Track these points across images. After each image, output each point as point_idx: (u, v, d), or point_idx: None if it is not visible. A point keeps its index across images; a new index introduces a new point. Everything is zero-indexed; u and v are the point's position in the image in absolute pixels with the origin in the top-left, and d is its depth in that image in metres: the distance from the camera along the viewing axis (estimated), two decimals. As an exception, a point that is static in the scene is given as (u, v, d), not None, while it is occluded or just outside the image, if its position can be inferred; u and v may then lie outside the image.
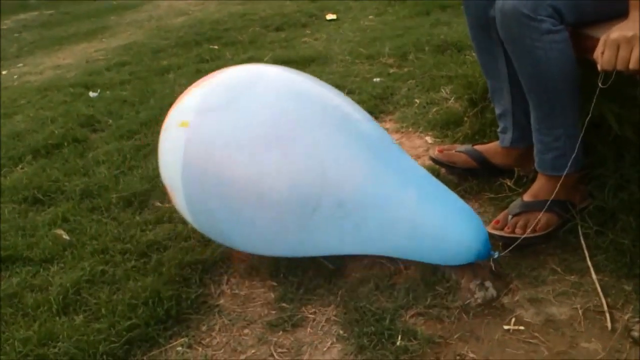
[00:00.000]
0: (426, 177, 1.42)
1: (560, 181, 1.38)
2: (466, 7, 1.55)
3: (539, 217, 1.40)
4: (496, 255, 1.33)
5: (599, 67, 1.15)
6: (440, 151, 1.74)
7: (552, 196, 1.40)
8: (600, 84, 1.17)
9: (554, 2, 1.24)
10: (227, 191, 1.34)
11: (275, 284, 1.47)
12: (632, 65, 1.10)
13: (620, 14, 1.19)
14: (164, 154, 1.45)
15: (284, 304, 1.40)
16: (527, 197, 1.46)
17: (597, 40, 1.19)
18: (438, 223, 1.33)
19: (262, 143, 1.32)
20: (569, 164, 1.38)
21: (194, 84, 1.48)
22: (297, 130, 1.34)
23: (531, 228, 1.40)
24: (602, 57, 1.13)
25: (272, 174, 1.31)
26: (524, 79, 1.36)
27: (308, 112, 1.37)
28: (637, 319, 1.19)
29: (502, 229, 1.43)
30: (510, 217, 1.44)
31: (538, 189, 1.45)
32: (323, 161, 1.31)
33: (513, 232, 1.41)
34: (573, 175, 1.42)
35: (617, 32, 1.13)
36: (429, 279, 1.37)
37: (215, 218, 1.40)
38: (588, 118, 1.26)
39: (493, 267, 1.34)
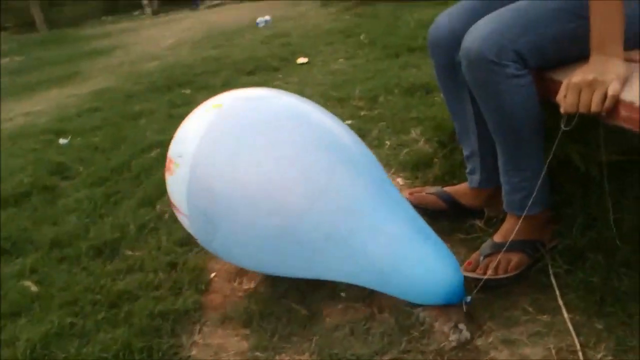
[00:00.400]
0: (411, 212, 1.43)
1: (522, 220, 1.40)
2: (432, 52, 1.58)
3: (510, 257, 1.42)
4: (469, 299, 1.33)
5: (561, 110, 1.18)
6: (411, 194, 1.75)
7: (522, 236, 1.42)
8: (563, 127, 1.19)
9: (517, 48, 1.28)
10: (233, 174, 1.35)
11: (248, 332, 1.45)
12: (594, 108, 1.12)
13: (581, 57, 1.22)
14: (185, 128, 1.49)
15: (257, 353, 1.38)
16: (497, 238, 1.47)
17: (560, 83, 1.22)
18: (416, 260, 1.35)
19: (278, 147, 1.37)
20: (536, 205, 1.41)
21: None
22: (305, 149, 1.38)
23: (503, 269, 1.41)
24: (565, 100, 1.16)
25: (278, 174, 1.35)
26: (491, 122, 1.39)
27: (317, 138, 1.43)
28: (609, 358, 1.19)
29: (474, 271, 1.44)
30: (482, 258, 1.45)
31: (508, 229, 1.46)
32: (322, 186, 1.35)
33: (485, 273, 1.42)
34: (541, 215, 1.44)
35: (579, 75, 1.15)
36: (403, 322, 1.37)
37: (211, 198, 1.38)
38: (549, 159, 1.28)
39: (465, 309, 1.34)
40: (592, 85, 1.13)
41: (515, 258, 1.43)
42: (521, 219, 1.40)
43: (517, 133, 1.35)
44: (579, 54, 1.25)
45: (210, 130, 1.41)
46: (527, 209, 1.39)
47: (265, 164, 1.35)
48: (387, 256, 1.34)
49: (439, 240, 1.41)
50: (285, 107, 1.48)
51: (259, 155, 1.36)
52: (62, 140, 3.23)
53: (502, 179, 1.45)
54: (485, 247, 1.47)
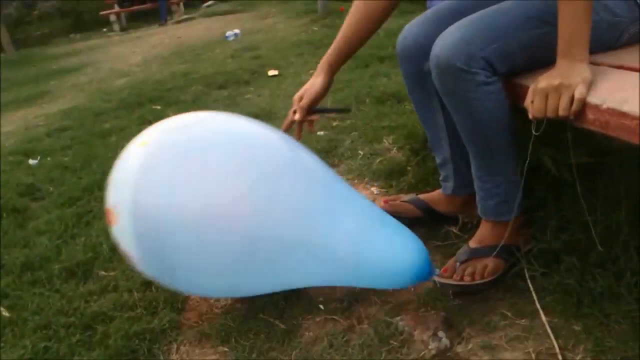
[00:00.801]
0: (364, 202, 1.44)
1: (496, 225, 1.44)
2: (401, 62, 1.58)
3: (486, 263, 1.42)
4: (437, 272, 1.35)
5: (529, 116, 1.18)
6: (386, 202, 1.75)
7: (497, 241, 1.43)
8: (534, 132, 1.20)
9: (486, 55, 1.28)
10: (176, 208, 1.29)
11: (226, 349, 1.43)
12: (562, 112, 1.13)
13: (550, 62, 1.23)
14: (117, 172, 1.41)
15: (236, 370, 1.36)
16: (472, 244, 1.47)
17: (526, 88, 1.23)
18: (379, 247, 1.36)
19: (216, 168, 1.32)
20: (510, 210, 1.42)
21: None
22: (245, 163, 1.34)
23: (479, 274, 1.42)
24: (532, 106, 1.17)
25: (221, 200, 1.30)
26: (462, 130, 1.39)
27: (255, 150, 1.38)
28: (588, 359, 1.20)
29: (451, 277, 1.44)
30: (458, 264, 1.45)
31: (483, 235, 1.47)
32: (268, 195, 1.31)
33: (462, 279, 1.42)
34: (516, 219, 1.45)
35: (545, 80, 1.16)
36: (382, 333, 1.36)
37: (160, 238, 1.32)
38: (527, 163, 1.29)
39: (442, 316, 1.34)
40: (558, 89, 1.14)
41: (491, 263, 1.43)
42: (500, 225, 1.42)
43: (488, 139, 1.36)
44: (547, 60, 1.26)
45: (143, 172, 1.34)
46: (503, 215, 1.40)
47: (205, 189, 1.30)
48: (350, 250, 1.34)
49: (397, 223, 1.42)
50: (215, 129, 1.43)
51: (196, 182, 1.30)
52: (31, 161, 3.18)
53: (475, 185, 1.46)
54: (461, 253, 1.47)
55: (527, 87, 1.24)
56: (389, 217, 1.43)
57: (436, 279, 1.45)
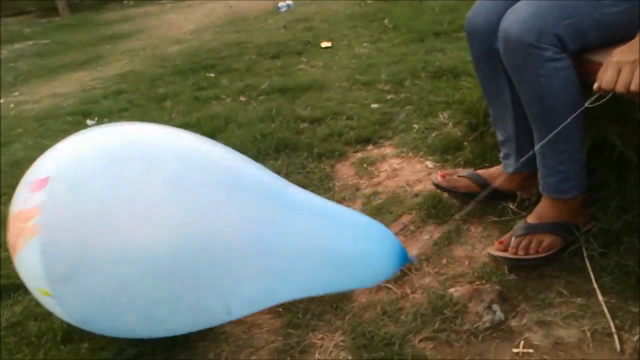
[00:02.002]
0: (322, 205, 1.29)
1: (556, 202, 1.43)
2: (470, 40, 1.55)
3: (542, 238, 1.42)
4: (414, 260, 1.33)
5: (594, 86, 1.17)
6: (443, 176, 1.75)
7: (555, 219, 1.43)
8: (587, 104, 1.19)
9: (558, 31, 1.26)
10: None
11: (281, 309, 1.46)
12: (633, 87, 1.11)
13: (622, 41, 1.21)
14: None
15: (290, 330, 1.39)
16: (531, 219, 1.46)
17: (597, 64, 1.21)
18: (348, 250, 1.24)
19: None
20: (572, 188, 1.40)
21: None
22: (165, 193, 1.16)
23: (534, 249, 1.42)
24: (602, 77, 1.15)
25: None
26: (528, 106, 1.38)
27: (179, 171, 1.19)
28: (645, 340, 1.19)
29: (505, 250, 1.44)
30: (514, 238, 1.45)
31: (542, 211, 1.46)
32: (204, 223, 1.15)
33: (516, 253, 1.42)
34: (577, 197, 1.43)
35: (620, 54, 1.15)
36: (436, 303, 1.37)
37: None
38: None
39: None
40: (633, 65, 1.12)
41: (547, 239, 1.43)
42: (561, 202, 1.41)
43: (555, 117, 1.34)
44: (619, 38, 1.24)
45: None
46: (565, 192, 1.39)
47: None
48: (315, 263, 1.21)
49: (362, 217, 1.32)
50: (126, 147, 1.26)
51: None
52: (89, 122, 3.26)
53: (538, 162, 1.44)
54: (518, 227, 1.47)
55: (596, 63, 1.22)
56: (349, 212, 1.33)
57: (490, 251, 1.45)
